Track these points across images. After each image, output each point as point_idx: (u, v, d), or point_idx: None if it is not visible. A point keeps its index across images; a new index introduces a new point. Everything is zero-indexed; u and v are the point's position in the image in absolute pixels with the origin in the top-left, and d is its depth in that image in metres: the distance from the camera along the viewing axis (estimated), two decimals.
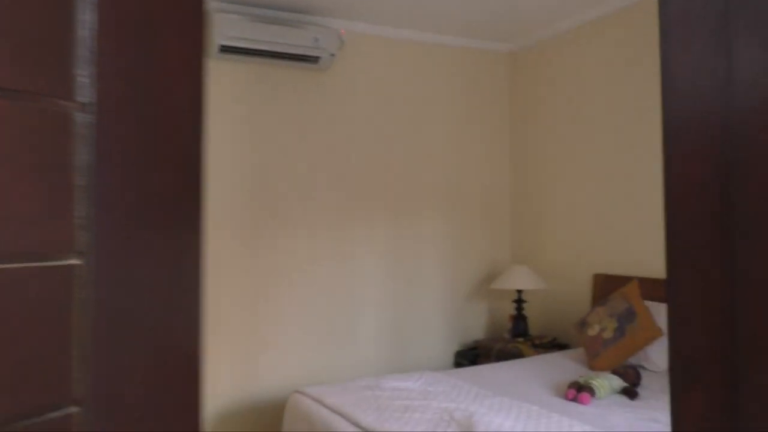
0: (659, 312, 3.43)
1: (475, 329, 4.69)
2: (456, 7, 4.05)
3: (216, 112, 3.81)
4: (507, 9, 4.10)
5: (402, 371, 4.21)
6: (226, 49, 3.75)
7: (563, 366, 3.49)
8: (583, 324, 3.64)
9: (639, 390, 2.90)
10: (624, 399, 2.83)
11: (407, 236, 4.42)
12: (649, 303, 3.51)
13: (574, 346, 4.09)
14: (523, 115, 4.78)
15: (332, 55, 4.02)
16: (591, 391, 2.81)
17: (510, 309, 4.56)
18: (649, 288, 3.64)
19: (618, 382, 2.92)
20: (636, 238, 3.88)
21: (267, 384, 3.90)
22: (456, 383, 3.05)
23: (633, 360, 3.39)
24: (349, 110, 4.25)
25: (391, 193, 4.37)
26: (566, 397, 2.83)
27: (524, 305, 4.35)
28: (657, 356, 3.33)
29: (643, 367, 3.32)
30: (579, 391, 2.84)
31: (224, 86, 3.85)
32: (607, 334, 3.41)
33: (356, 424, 2.49)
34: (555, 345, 4.12)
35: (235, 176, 3.86)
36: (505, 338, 4.37)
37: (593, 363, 3.39)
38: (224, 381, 3.77)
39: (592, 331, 3.51)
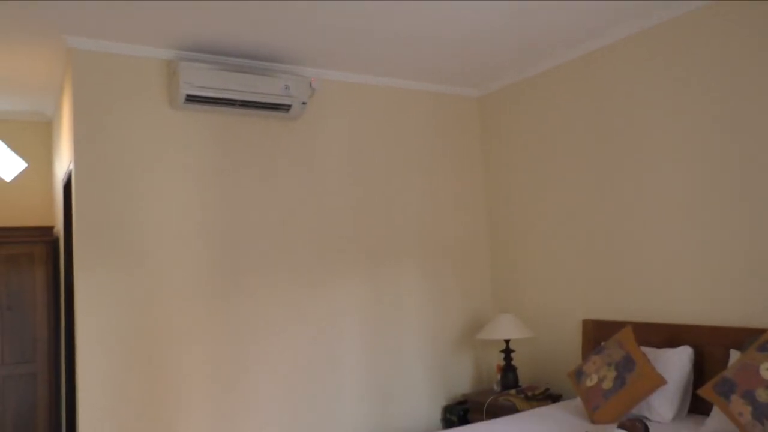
0: (658, 359, 3.30)
1: (462, 382, 4.49)
2: (425, 55, 4.00)
3: (182, 164, 3.60)
4: (474, 57, 4.07)
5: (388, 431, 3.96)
6: (192, 99, 3.56)
7: (563, 420, 3.31)
8: (579, 374, 3.48)
9: None
10: None
11: (386, 289, 4.23)
12: (646, 349, 3.38)
13: (567, 397, 3.92)
14: (496, 158, 4.71)
15: (303, 103, 3.88)
16: None
17: (497, 359, 4.39)
18: (644, 333, 3.52)
19: None
20: (624, 281, 3.79)
21: None
22: None
23: (636, 410, 3.24)
24: (322, 159, 4.10)
25: (367, 245, 4.19)
26: None
27: (512, 355, 4.17)
28: (661, 405, 3.18)
29: (647, 418, 3.17)
30: None
31: (191, 137, 3.65)
32: (607, 384, 3.25)
33: None
34: (548, 396, 3.94)
35: (204, 234, 3.63)
36: (494, 390, 4.17)
37: (595, 416, 3.22)
38: None
39: (590, 381, 3.35)
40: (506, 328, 4.10)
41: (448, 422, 4.24)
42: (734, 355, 3.08)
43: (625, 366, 3.24)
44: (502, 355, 4.18)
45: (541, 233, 4.34)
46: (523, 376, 4.26)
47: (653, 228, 3.63)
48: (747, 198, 3.18)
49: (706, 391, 2.90)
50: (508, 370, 4.15)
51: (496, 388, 4.19)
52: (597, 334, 3.86)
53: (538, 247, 4.36)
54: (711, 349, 3.26)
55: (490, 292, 4.71)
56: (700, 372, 3.27)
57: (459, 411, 4.23)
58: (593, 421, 3.22)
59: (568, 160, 4.14)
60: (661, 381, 3.13)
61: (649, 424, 3.00)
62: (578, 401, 3.64)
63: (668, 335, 3.47)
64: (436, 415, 4.32)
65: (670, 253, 3.55)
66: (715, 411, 2.96)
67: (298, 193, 3.96)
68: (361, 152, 4.25)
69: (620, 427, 2.87)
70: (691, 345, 3.32)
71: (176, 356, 3.45)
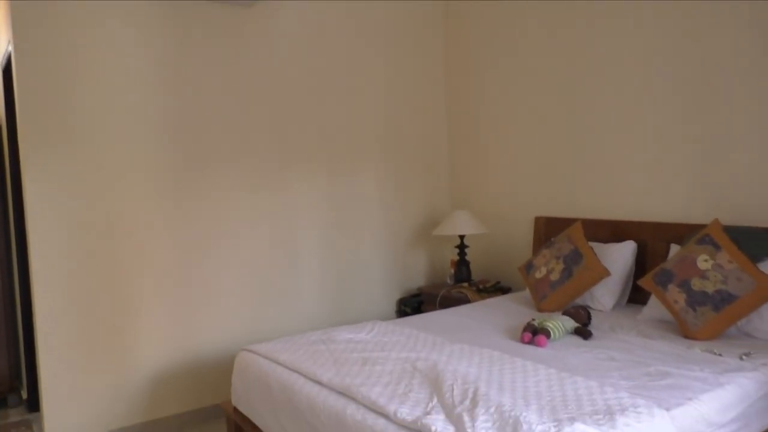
0: (604, 252, 3.47)
1: (417, 277, 4.64)
2: None
3: (134, 53, 3.42)
4: None
5: (345, 323, 4.11)
6: None
7: (511, 309, 3.49)
8: (529, 267, 3.64)
9: (590, 329, 2.92)
10: (578, 339, 2.84)
11: (346, 186, 4.24)
12: (593, 244, 3.54)
13: (517, 290, 4.11)
14: (457, 60, 4.64)
15: None
16: (546, 333, 2.80)
17: (451, 255, 4.53)
18: (592, 229, 3.67)
19: (570, 323, 2.93)
20: (576, 180, 3.90)
21: (207, 344, 3.68)
22: (410, 333, 2.97)
23: (579, 300, 3.43)
24: (280, 51, 3.95)
25: (326, 142, 4.15)
26: (522, 341, 2.81)
27: (466, 250, 4.31)
28: (603, 295, 3.38)
29: (590, 307, 3.37)
30: (534, 333, 2.82)
31: (141, 17, 3.45)
32: (555, 276, 3.42)
33: (317, 382, 2.35)
34: (499, 288, 4.13)
35: (158, 124, 3.51)
36: (448, 284, 4.33)
37: (541, 305, 3.41)
38: (162, 342, 3.52)
39: (539, 273, 3.51)
40: (461, 224, 4.20)
41: (402, 313, 4.42)
42: (674, 249, 3.26)
43: (573, 259, 3.40)
44: (457, 251, 4.32)
45: (498, 134, 4.37)
46: (476, 271, 4.43)
47: (604, 131, 3.71)
48: (692, 103, 3.25)
49: (645, 282, 3.09)
50: (461, 264, 4.30)
51: (450, 281, 4.36)
52: (548, 230, 4.00)
53: (494, 148, 4.41)
54: (653, 243, 3.44)
55: (447, 191, 4.78)
56: (641, 265, 3.46)
57: (413, 303, 4.40)
58: (539, 310, 3.41)
59: (527, 63, 4.12)
60: (605, 273, 3.31)
61: (591, 312, 3.19)
62: (526, 293, 3.83)
63: (614, 231, 3.63)
64: (391, 307, 4.49)
65: (618, 155, 3.65)
66: (652, 300, 3.17)
67: (257, 86, 3.84)
68: (321, 45, 4.11)
69: (565, 313, 3.05)
70: (634, 240, 3.49)
71: (131, 252, 3.42)
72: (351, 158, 4.25)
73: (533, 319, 2.99)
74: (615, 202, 3.70)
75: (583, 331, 2.88)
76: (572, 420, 1.86)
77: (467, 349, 2.63)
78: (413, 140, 4.58)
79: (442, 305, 4.07)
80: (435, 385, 2.21)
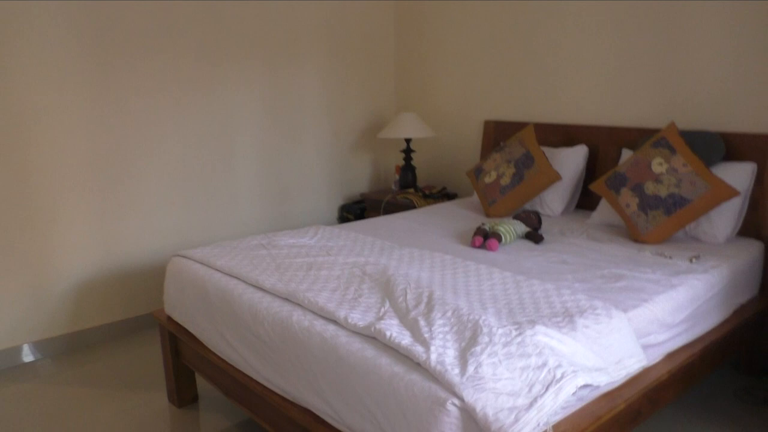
0: (555, 157, 3.37)
1: (361, 183, 4.46)
2: None
3: None
4: None
5: (284, 229, 3.92)
6: None
7: (459, 215, 3.38)
8: (478, 171, 3.51)
9: (541, 234, 2.85)
10: (529, 244, 2.77)
11: (286, 85, 3.92)
12: (544, 148, 3.43)
13: (464, 195, 4.00)
14: None
15: None
16: (498, 237, 2.71)
17: (396, 160, 4.35)
18: (543, 133, 3.55)
19: (521, 228, 2.85)
20: (529, 84, 3.73)
21: (136, 251, 3.42)
22: (356, 237, 2.81)
23: (529, 206, 3.35)
24: None
25: (266, 36, 3.78)
26: (473, 245, 2.71)
27: (412, 155, 4.14)
28: (553, 200, 3.31)
29: (539, 212, 3.29)
30: (485, 237, 2.73)
31: None
32: (505, 180, 3.31)
33: (258, 287, 2.18)
34: (445, 195, 4.01)
35: (80, 13, 3.05)
36: (393, 190, 4.18)
37: (490, 210, 3.31)
38: (85, 249, 3.24)
39: (489, 178, 3.39)
40: (407, 127, 4.00)
41: (344, 220, 4.26)
42: (626, 154, 3.19)
43: (524, 163, 3.29)
44: (402, 156, 4.14)
45: (448, 34, 4.11)
46: (422, 177, 4.28)
47: (559, 34, 3.52)
48: (648, 7, 3.10)
49: (597, 186, 3.02)
50: (407, 169, 4.14)
51: (394, 187, 4.20)
52: (497, 134, 3.86)
53: (444, 48, 4.16)
54: (605, 148, 3.36)
55: (392, 92, 4.53)
56: (592, 170, 3.40)
57: (356, 209, 4.25)
58: (488, 215, 3.31)
59: None
60: (556, 177, 3.22)
61: (541, 216, 3.11)
62: (474, 199, 3.73)
63: (566, 135, 3.53)
64: (333, 213, 4.32)
65: (572, 58, 3.49)
66: (602, 205, 3.12)
67: None
68: None
69: (516, 218, 2.96)
70: (586, 144, 3.40)
71: (47, 154, 3.05)
72: (291, 55, 3.91)
73: (483, 224, 2.89)
74: (567, 106, 3.57)
75: (535, 236, 2.81)
76: (532, 323, 1.77)
77: (417, 254, 2.51)
78: (358, 38, 4.26)
79: (387, 211, 3.93)
80: (386, 289, 2.08)
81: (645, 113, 3.23)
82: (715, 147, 2.83)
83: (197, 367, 2.51)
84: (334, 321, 1.86)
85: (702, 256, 2.53)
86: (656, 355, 2.09)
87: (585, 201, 3.40)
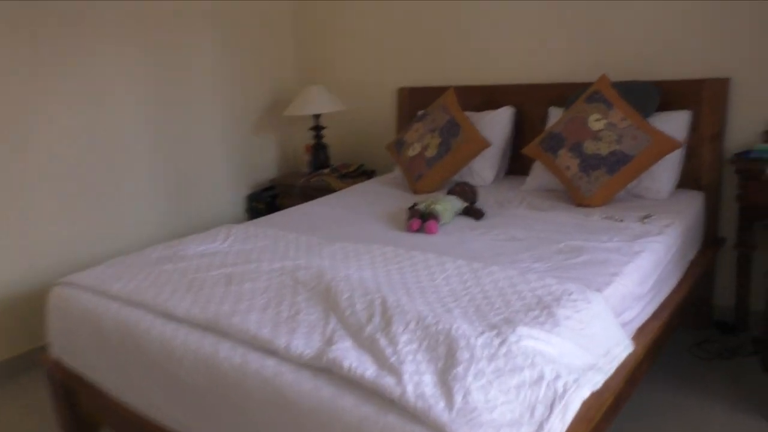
0: (479, 122, 3.12)
1: (268, 167, 4.03)
2: None
3: None
4: None
5: (187, 232, 3.42)
6: None
7: (384, 194, 3.07)
8: (400, 144, 3.20)
9: (479, 207, 2.60)
10: (469, 221, 2.51)
11: (173, 62, 3.40)
12: (468, 113, 3.17)
13: (383, 171, 3.69)
14: None
15: None
16: (436, 217, 2.42)
17: (305, 139, 3.96)
18: (463, 97, 3.27)
19: (458, 203, 2.58)
20: (441, 45, 3.45)
21: (9, 275, 2.84)
22: (276, 235, 2.43)
23: (457, 177, 3.10)
24: None
25: (142, 4, 3.22)
26: (410, 229, 2.41)
27: (323, 132, 3.77)
28: (483, 169, 3.07)
29: (469, 183, 3.05)
30: (423, 219, 2.44)
31: None
32: (431, 152, 3.02)
33: (170, 315, 1.76)
34: (363, 172, 3.68)
35: None
36: (305, 172, 3.80)
37: (417, 185, 3.02)
38: None
39: (413, 150, 3.10)
40: (316, 102, 3.62)
41: (254, 211, 3.84)
42: (554, 112, 3.00)
43: (450, 131, 3.02)
44: (312, 134, 3.75)
45: (351, 6, 3.74)
46: (335, 155, 3.91)
47: None
48: None
49: (532, 149, 2.80)
50: (318, 148, 3.76)
51: (307, 169, 3.82)
52: (413, 102, 3.57)
53: (346, 12, 3.78)
54: (531, 107, 3.15)
55: (294, 64, 4.10)
56: (520, 132, 3.18)
57: (266, 198, 3.83)
58: (416, 191, 3.03)
59: None
60: (485, 143, 2.98)
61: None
62: (395, 174, 3.43)
63: (487, 97, 3.29)
64: (240, 205, 3.88)
65: (487, 13, 3.24)
66: (536, 169, 2.92)
67: None
68: None
69: (450, 193, 2.69)
70: (511, 105, 3.18)
71: None
72: (176, 28, 3.38)
73: (416, 203, 2.60)
74: (487, 66, 3.33)
75: (474, 211, 2.55)
76: (510, 323, 1.50)
77: (352, 248, 2.18)
78: (250, 6, 3.77)
79: (302, 197, 3.55)
80: (328, 300, 1.74)
81: (570, 67, 3.04)
82: (650, 97, 2.68)
83: (101, 420, 2.06)
84: (273, 351, 1.50)
85: (653, 214, 2.38)
86: (629, 333, 1.90)
87: (515, 166, 3.19)
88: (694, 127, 2.69)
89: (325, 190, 3.47)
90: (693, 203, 2.57)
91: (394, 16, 3.58)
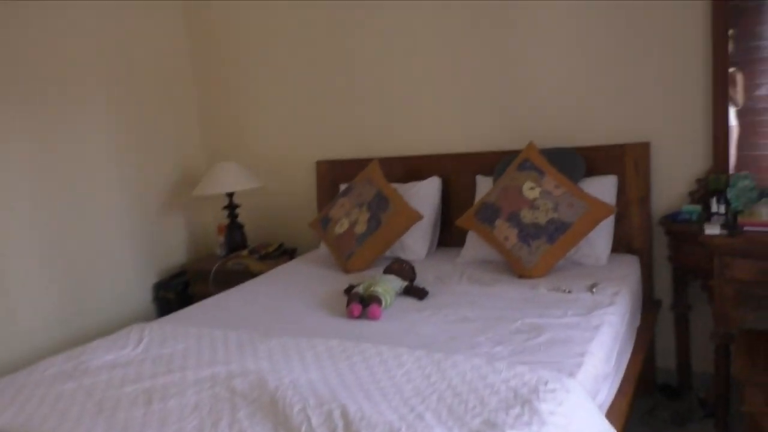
0: (407, 193, 3.01)
1: (177, 251, 3.69)
2: None
3: None
4: None
5: (88, 333, 3.00)
6: None
7: (313, 276, 2.84)
8: (325, 221, 3.01)
9: (422, 286, 2.43)
10: (412, 301, 2.33)
11: (62, 139, 3.05)
12: (394, 185, 3.04)
13: (305, 250, 3.47)
14: None
15: None
16: (378, 300, 2.23)
17: (218, 218, 3.67)
18: (386, 168, 3.15)
19: (398, 283, 2.41)
20: (361, 118, 3.38)
21: None
22: (199, 333, 2.13)
23: (389, 253, 2.94)
24: None
25: (30, 75, 2.90)
26: (351, 315, 2.20)
27: (237, 211, 3.51)
28: (415, 242, 2.93)
29: (402, 259, 2.89)
30: (363, 304, 2.23)
31: None
32: (361, 228, 2.85)
33: None
34: (284, 252, 3.44)
35: None
36: (219, 255, 3.50)
37: (348, 264, 2.82)
38: None
39: (341, 227, 2.91)
40: (228, 180, 3.38)
41: (163, 302, 3.46)
42: (481, 181, 2.95)
43: (379, 205, 2.87)
44: (225, 213, 3.48)
45: (259, 70, 3.58)
46: (252, 235, 3.64)
47: (388, 60, 3.22)
48: (486, 27, 2.92)
49: (467, 221, 2.70)
50: (233, 228, 3.49)
51: (221, 252, 3.52)
52: (334, 175, 3.41)
53: (257, 86, 3.62)
54: (457, 177, 3.09)
55: (201, 140, 3.85)
56: (446, 203, 3.10)
57: (176, 286, 3.48)
58: (347, 271, 2.82)
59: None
60: (417, 215, 2.85)
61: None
62: (321, 252, 3.22)
63: (411, 168, 3.19)
64: (147, 295, 3.49)
65: (407, 85, 3.20)
66: (471, 240, 2.82)
67: None
68: None
69: (387, 271, 2.51)
70: (437, 175, 3.10)
71: None
72: (66, 101, 3.06)
73: (352, 285, 2.41)
74: (408, 136, 3.26)
75: (417, 290, 2.39)
76: (493, 427, 1.32)
77: (292, 344, 1.93)
78: (152, 80, 3.52)
79: (218, 284, 3.24)
80: (276, 414, 1.48)
81: (494, 135, 3.02)
82: (577, 164, 2.69)
83: None
84: None
85: (598, 282, 2.31)
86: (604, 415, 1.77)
87: (446, 238, 3.08)
88: (621, 191, 2.71)
89: (244, 274, 3.18)
90: (632, 268, 2.55)
91: (306, 87, 3.46)
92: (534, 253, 2.45)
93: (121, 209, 3.35)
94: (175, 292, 3.45)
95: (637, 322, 2.46)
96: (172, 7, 3.67)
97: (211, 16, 3.67)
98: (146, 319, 3.40)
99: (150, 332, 2.19)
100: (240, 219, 3.53)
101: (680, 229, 2.51)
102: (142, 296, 3.48)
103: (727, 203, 2.40)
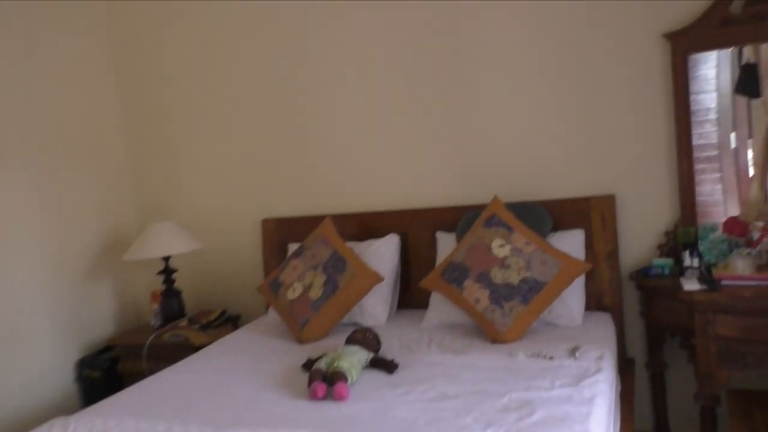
0: (363, 253, 2.80)
1: (104, 323, 3.30)
2: None
3: None
4: None
5: (1, 426, 2.59)
6: None
7: (266, 348, 2.55)
8: (275, 285, 2.75)
9: (390, 358, 2.21)
10: (380, 375, 2.10)
11: None
12: (349, 244, 2.83)
13: (250, 317, 3.17)
14: (133, 39, 3.43)
15: None
16: (343, 377, 1.98)
17: (152, 285, 3.32)
18: (339, 226, 2.93)
19: (363, 355, 2.17)
20: (309, 174, 3.18)
21: None
22: (137, 428, 1.81)
23: (346, 319, 2.70)
24: None
25: None
26: (315, 396, 1.93)
27: (174, 276, 3.18)
28: (375, 306, 2.70)
29: (360, 324, 2.67)
30: (327, 382, 1.98)
31: None
32: (316, 293, 2.61)
33: None
34: (227, 320, 3.13)
35: None
36: (154, 326, 3.14)
37: (303, 334, 2.56)
38: None
39: (293, 292, 2.66)
40: (164, 242, 3.06)
41: (87, 382, 3.05)
42: (442, 238, 2.79)
43: (335, 266, 2.64)
44: (161, 279, 3.15)
45: (196, 123, 3.34)
46: (190, 302, 3.30)
47: (335, 110, 3.07)
48: (442, 84, 2.84)
49: (432, 282, 2.52)
50: (169, 295, 3.15)
51: (155, 322, 3.16)
52: (282, 235, 3.16)
53: (194, 140, 3.37)
54: (415, 234, 2.91)
55: (133, 198, 3.52)
56: (405, 261, 2.91)
57: (103, 363, 3.08)
58: (302, 341, 2.56)
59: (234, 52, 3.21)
60: (377, 277, 2.64)
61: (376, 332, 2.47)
62: (270, 319, 2.93)
63: (367, 225, 3.00)
64: (68, 374, 3.07)
65: (357, 138, 3.04)
66: (435, 302, 2.63)
67: None
68: None
69: (349, 342, 2.27)
70: (392, 232, 2.91)
71: None
72: None
73: (312, 359, 2.16)
74: (361, 192, 3.07)
75: (385, 363, 2.16)
76: None
77: None
78: (77, 130, 3.20)
79: (152, 360, 2.89)
80: None
81: (454, 190, 2.88)
82: (543, 218, 2.57)
83: None
84: None
85: (579, 346, 2.16)
86: None
87: (406, 299, 2.88)
88: (589, 246, 2.60)
89: (184, 348, 2.85)
90: (607, 326, 2.42)
91: (251, 137, 3.24)
92: (507, 315, 2.28)
93: (39, 277, 2.96)
94: (102, 370, 3.05)
95: (619, 386, 2.31)
96: (100, 50, 3.39)
97: (143, 63, 3.42)
98: (68, 402, 3.01)
99: (75, 427, 1.85)
100: (177, 285, 3.20)
101: (653, 284, 2.42)
102: (63, 376, 3.06)
103: (700, 256, 2.33)
